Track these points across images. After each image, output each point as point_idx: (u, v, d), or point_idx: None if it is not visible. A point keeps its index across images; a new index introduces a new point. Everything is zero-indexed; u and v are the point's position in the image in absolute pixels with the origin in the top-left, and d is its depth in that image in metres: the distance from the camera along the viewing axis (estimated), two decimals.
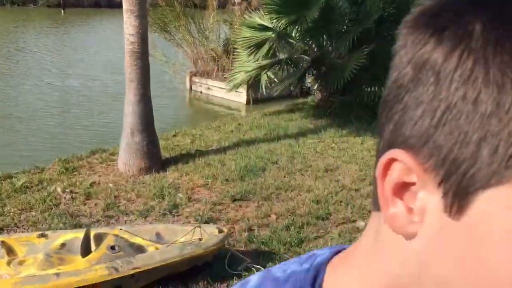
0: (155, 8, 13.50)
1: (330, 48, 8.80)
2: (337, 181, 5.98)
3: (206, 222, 4.67)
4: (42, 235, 3.92)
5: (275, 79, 9.19)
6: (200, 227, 3.92)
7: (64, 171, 6.41)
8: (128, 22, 5.97)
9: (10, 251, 3.83)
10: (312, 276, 0.50)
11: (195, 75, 13.44)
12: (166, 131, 8.43)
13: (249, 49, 9.03)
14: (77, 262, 3.55)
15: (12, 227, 4.74)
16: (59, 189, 5.65)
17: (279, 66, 8.79)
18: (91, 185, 5.84)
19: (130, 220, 4.91)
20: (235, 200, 5.40)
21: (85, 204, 5.29)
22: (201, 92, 13.58)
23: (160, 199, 5.38)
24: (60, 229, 4.36)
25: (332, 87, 7.95)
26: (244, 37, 9.07)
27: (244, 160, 6.66)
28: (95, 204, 5.29)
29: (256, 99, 11.21)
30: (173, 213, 5.07)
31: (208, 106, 13.33)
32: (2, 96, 12.31)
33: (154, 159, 6.40)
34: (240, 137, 7.96)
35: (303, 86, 10.47)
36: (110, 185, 5.88)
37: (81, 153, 7.28)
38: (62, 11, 30.10)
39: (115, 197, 5.42)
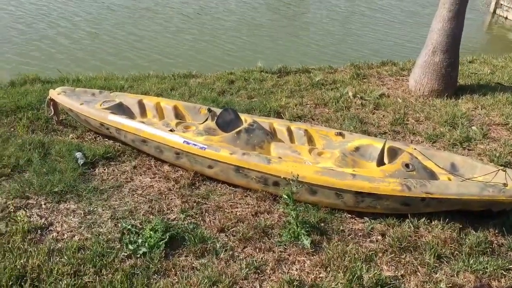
0: None
1: None
2: None
3: (503, 166, 4.16)
4: (340, 134, 4.13)
5: None
6: (505, 171, 3.49)
7: (355, 76, 6.56)
8: None
9: (310, 140, 4.18)
10: None
11: None
12: (461, 55, 7.66)
13: None
14: (370, 169, 3.64)
15: (308, 118, 5.16)
16: (350, 93, 5.82)
17: None
18: (380, 96, 5.83)
19: (417, 141, 4.76)
20: None
21: (373, 114, 5.34)
22: (506, 17, 11.79)
23: (451, 127, 5.02)
24: (350, 131, 4.51)
25: None
26: None
27: None
28: (383, 116, 5.29)
29: None
30: (464, 146, 4.68)
31: (510, 35, 11.58)
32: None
33: (449, 84, 5.93)
34: None
35: None
36: (399, 100, 5.76)
37: (371, 62, 7.31)
38: None
39: (404, 114, 5.29)
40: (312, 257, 3.04)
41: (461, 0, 5.60)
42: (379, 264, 3.00)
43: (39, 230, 3.21)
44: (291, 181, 3.25)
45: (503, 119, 5.28)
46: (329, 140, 4.13)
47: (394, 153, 3.80)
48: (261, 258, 3.04)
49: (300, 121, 4.91)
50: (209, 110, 4.49)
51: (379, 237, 3.27)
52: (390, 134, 4.86)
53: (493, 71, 7.05)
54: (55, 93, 4.57)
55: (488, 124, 5.18)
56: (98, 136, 4.54)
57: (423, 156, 3.77)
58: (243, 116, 4.34)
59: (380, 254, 3.09)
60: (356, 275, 2.81)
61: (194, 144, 3.78)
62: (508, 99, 5.81)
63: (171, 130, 4.07)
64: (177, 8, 11.62)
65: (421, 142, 4.75)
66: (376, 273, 2.85)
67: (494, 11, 11.90)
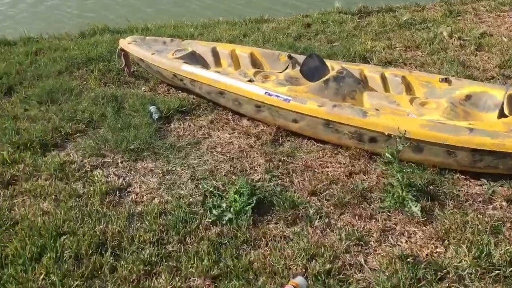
0: None
1: None
2: None
3: None
4: (445, 80, 3.53)
5: None
6: None
7: (448, 13, 5.76)
8: None
9: (408, 88, 3.63)
10: None
11: None
12: None
13: None
14: (489, 122, 3.06)
15: (399, 62, 4.55)
16: (445, 33, 5.09)
17: None
18: (482, 35, 5.05)
19: None
20: None
21: (476, 56, 4.63)
22: None
23: None
24: (451, 76, 3.88)
25: None
26: None
27: None
28: (488, 58, 4.56)
29: None
30: None
31: None
32: None
33: None
34: None
35: None
36: (505, 39, 4.97)
37: None
38: None
39: None
40: (424, 228, 2.60)
41: None
42: (508, 237, 2.50)
43: (117, 192, 2.99)
44: (397, 138, 2.77)
45: None
46: (431, 87, 3.55)
47: None
48: (363, 227, 2.64)
49: (391, 67, 4.33)
50: (290, 57, 4.03)
51: (504, 203, 2.74)
52: (499, 79, 4.17)
53: None
54: (125, 43, 4.29)
55: None
56: (171, 88, 4.24)
57: None
58: (329, 63, 3.84)
59: (509, 225, 2.58)
60: (484, 251, 2.34)
61: (277, 96, 3.36)
62: None
63: (249, 81, 3.67)
64: None
65: None
66: (508, 249, 2.37)
67: None
